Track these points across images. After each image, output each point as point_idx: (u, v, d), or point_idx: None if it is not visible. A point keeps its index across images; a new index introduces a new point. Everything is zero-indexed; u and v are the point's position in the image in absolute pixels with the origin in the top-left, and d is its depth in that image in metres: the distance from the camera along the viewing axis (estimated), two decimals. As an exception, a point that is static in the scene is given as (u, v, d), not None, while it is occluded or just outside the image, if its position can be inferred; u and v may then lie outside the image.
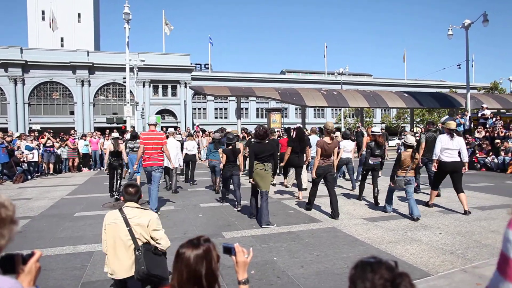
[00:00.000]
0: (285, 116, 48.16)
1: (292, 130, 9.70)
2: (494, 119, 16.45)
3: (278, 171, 9.66)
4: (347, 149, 10.00)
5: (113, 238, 3.31)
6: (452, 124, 7.41)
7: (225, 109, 51.02)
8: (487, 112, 17.35)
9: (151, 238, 3.36)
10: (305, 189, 9.28)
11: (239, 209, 7.57)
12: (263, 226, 6.19)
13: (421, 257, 4.59)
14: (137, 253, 3.24)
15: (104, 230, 3.38)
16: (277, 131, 19.69)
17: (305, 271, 4.22)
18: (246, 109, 51.07)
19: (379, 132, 8.32)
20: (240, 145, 9.60)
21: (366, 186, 8.51)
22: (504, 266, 1.25)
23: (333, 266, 4.35)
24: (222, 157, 8.30)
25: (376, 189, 7.91)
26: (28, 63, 38.10)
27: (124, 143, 12.26)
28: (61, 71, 39.65)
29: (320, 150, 6.79)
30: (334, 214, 6.72)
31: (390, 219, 6.58)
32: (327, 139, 6.91)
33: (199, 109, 49.79)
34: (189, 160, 11.63)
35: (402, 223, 6.28)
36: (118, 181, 9.69)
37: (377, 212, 7.17)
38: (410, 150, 6.67)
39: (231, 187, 8.47)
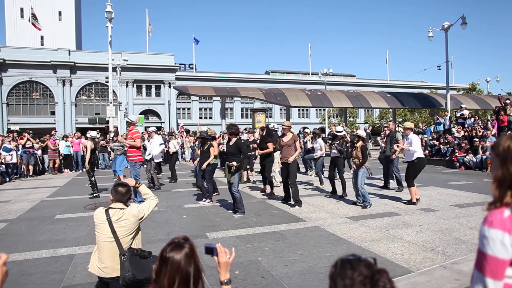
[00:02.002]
0: (270, 116, 48.29)
1: (260, 130, 9.80)
2: (472, 119, 16.91)
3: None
4: (322, 147, 10.65)
5: (99, 239, 3.29)
6: (411, 124, 8.43)
7: (210, 109, 50.78)
8: (466, 112, 17.83)
9: (143, 217, 3.40)
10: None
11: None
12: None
13: (402, 254, 4.68)
14: (122, 258, 3.19)
15: (95, 225, 3.36)
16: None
17: (289, 270, 4.25)
18: (231, 109, 50.93)
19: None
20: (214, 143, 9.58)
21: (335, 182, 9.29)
22: (482, 263, 1.28)
23: (316, 265, 4.39)
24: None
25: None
26: (6, 61, 36.99)
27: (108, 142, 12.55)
28: (41, 70, 38.67)
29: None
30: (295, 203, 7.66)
31: (372, 218, 6.68)
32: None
33: (183, 109, 49.39)
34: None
35: (384, 221, 6.39)
36: (94, 178, 9.68)
37: (360, 211, 7.26)
38: (361, 142, 7.52)
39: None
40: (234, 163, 6.91)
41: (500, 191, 1.32)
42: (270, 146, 8.75)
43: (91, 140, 9.70)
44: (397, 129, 10.29)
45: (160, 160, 11.29)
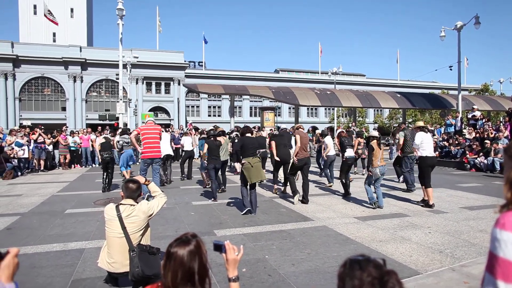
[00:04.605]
0: (279, 115, 48.20)
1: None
2: (483, 120, 16.66)
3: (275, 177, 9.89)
4: (331, 145, 10.59)
5: (109, 234, 3.34)
6: (421, 122, 8.54)
7: (219, 107, 50.88)
8: (478, 114, 17.57)
9: (152, 214, 3.47)
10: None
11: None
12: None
13: (410, 256, 4.64)
14: (131, 254, 3.23)
15: (105, 221, 3.42)
16: (270, 129, 19.74)
17: (296, 269, 4.25)
18: (240, 107, 50.98)
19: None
20: (221, 139, 9.61)
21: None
22: (493, 265, 1.27)
23: (323, 264, 4.39)
24: (204, 147, 8.77)
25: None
26: (19, 58, 37.55)
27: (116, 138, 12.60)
28: (53, 67, 39.15)
29: (299, 137, 7.98)
30: (304, 200, 7.86)
31: (381, 218, 6.63)
32: (301, 130, 8.55)
33: (192, 106, 49.59)
34: (189, 156, 12.51)
35: (392, 222, 6.35)
36: (109, 176, 9.83)
37: (368, 211, 7.23)
38: (375, 141, 7.48)
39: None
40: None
41: None
42: (273, 144, 8.90)
43: (104, 138, 9.97)
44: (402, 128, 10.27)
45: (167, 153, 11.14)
